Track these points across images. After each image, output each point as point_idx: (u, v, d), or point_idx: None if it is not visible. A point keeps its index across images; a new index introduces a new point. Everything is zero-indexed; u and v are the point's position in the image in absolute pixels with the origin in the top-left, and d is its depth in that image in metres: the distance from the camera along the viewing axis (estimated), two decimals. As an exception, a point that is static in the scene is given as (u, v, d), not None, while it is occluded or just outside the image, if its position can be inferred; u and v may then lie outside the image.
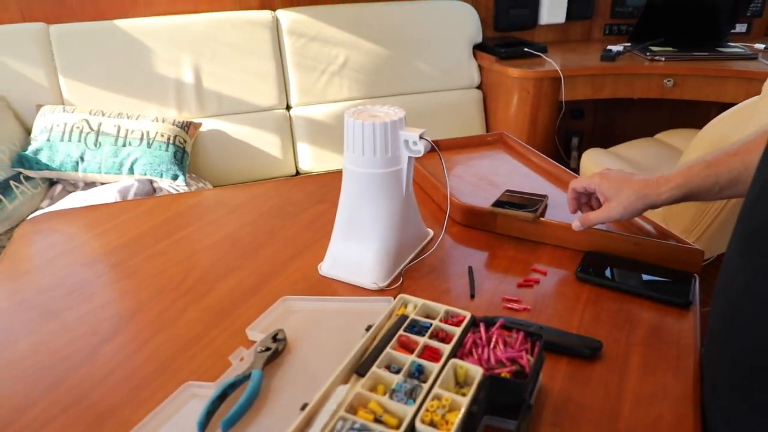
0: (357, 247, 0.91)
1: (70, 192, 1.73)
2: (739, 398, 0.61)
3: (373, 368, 0.61)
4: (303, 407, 0.58)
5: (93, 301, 0.90)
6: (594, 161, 1.98)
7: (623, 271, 0.91)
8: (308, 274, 0.95)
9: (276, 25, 2.10)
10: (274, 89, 2.10)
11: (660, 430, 0.64)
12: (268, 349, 0.73)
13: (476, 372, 0.60)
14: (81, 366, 0.76)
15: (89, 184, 1.77)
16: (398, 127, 0.86)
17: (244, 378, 0.68)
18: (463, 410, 0.55)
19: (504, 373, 0.62)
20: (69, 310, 0.88)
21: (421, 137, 0.85)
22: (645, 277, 0.90)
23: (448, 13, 2.33)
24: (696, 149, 1.45)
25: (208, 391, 0.68)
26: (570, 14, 2.56)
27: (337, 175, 1.36)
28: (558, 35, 2.63)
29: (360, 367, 0.63)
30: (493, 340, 0.67)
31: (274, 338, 0.75)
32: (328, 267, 0.94)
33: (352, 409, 0.57)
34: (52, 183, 1.79)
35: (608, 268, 0.92)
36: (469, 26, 2.36)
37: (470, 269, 0.95)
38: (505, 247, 1.02)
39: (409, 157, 0.89)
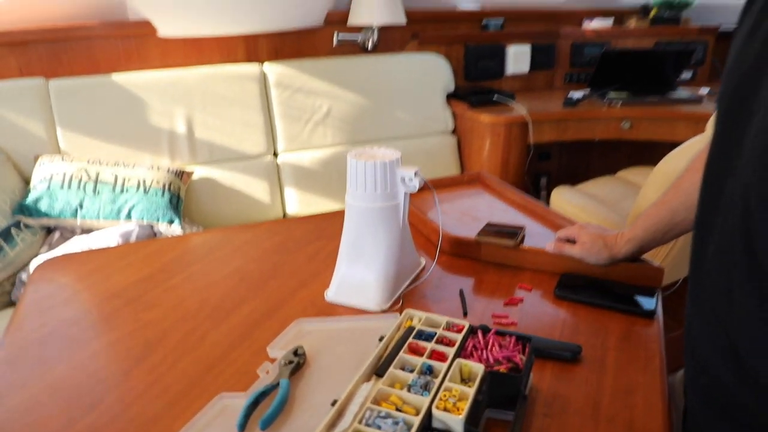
0: (360, 274, 1.02)
1: (68, 238, 1.80)
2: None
3: (390, 369, 0.71)
4: (333, 403, 0.67)
5: (119, 331, 0.98)
6: (562, 198, 2.13)
7: (595, 289, 1.03)
8: (315, 301, 1.05)
9: (263, 78, 2.24)
10: (262, 137, 2.22)
11: (634, 416, 0.75)
12: (290, 362, 0.82)
13: (479, 368, 0.71)
14: (117, 386, 0.83)
15: (86, 231, 1.83)
16: (395, 166, 0.99)
17: (273, 387, 0.77)
18: (471, 398, 0.66)
19: (502, 369, 0.73)
20: (96, 339, 0.96)
21: (416, 174, 0.98)
22: (615, 292, 1.02)
23: (423, 65, 2.51)
24: (652, 184, 1.61)
25: (240, 400, 0.76)
26: (533, 65, 2.77)
27: (330, 215, 1.48)
28: (523, 84, 2.84)
29: (379, 369, 0.73)
30: (490, 343, 0.78)
31: (295, 353, 0.84)
32: (333, 293, 1.04)
33: (376, 402, 0.66)
34: (49, 230, 1.85)
35: (582, 287, 1.04)
36: (442, 77, 2.54)
37: (461, 291, 1.06)
38: (489, 272, 1.14)
39: (405, 192, 1.01)
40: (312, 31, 2.36)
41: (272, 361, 0.86)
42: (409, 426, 0.62)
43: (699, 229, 0.69)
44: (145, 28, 2.15)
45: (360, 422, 0.63)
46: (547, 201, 2.34)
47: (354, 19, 2.31)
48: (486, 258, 1.18)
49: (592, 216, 1.97)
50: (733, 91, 0.62)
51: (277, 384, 0.78)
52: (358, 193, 0.99)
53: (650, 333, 0.93)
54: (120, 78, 2.05)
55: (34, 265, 1.61)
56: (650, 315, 0.96)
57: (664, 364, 0.85)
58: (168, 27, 2.14)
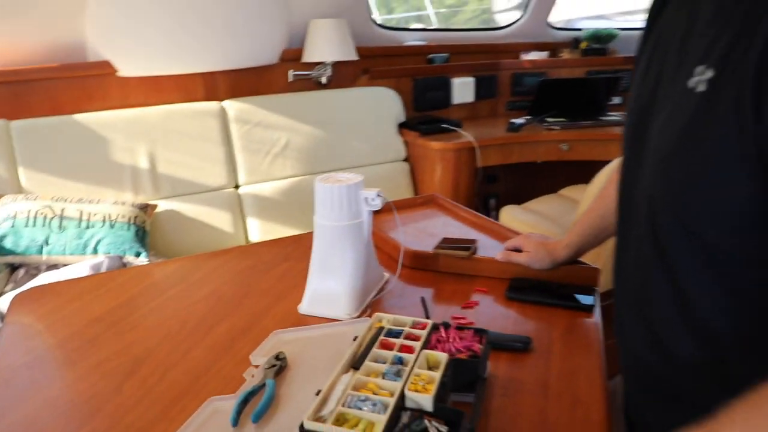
0: (330, 286, 1.11)
1: (34, 275, 1.82)
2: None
3: (366, 362, 0.81)
4: (317, 393, 0.76)
5: (104, 351, 1.04)
6: (511, 216, 2.29)
7: (541, 290, 1.16)
8: (289, 314, 1.13)
9: (223, 115, 2.33)
10: (224, 170, 2.30)
11: (579, 391, 0.87)
12: (273, 366, 0.91)
13: (443, 356, 0.81)
14: (111, 399, 0.89)
15: (51, 266, 1.86)
16: (359, 188, 1.10)
17: (260, 387, 0.86)
18: (438, 380, 0.76)
19: (462, 356, 0.84)
20: (84, 360, 1.01)
21: (378, 195, 1.09)
22: (558, 292, 1.15)
23: (375, 98, 2.66)
24: (588, 199, 1.78)
25: (230, 402, 0.84)
26: (477, 95, 2.96)
27: (295, 238, 1.57)
28: (469, 112, 3.03)
29: (355, 363, 0.83)
30: (451, 337, 0.89)
31: (277, 357, 0.93)
32: (306, 306, 1.13)
33: (356, 389, 0.76)
34: (14, 268, 1.86)
35: (530, 288, 1.17)
36: (393, 108, 2.70)
37: (422, 299, 1.16)
38: (447, 282, 1.25)
39: (368, 211, 1.12)
40: (268, 68, 2.48)
41: (256, 367, 0.94)
42: (385, 406, 0.72)
43: (619, 235, 0.83)
44: (105, 68, 2.21)
45: (343, 405, 0.72)
46: (497, 220, 2.49)
47: (308, 56, 2.45)
48: (444, 269, 1.29)
49: (538, 231, 2.13)
50: (635, 122, 0.76)
51: (264, 384, 0.86)
52: (326, 213, 1.09)
53: (590, 324, 1.06)
54: (81, 118, 2.10)
55: (1, 303, 1.63)
56: (589, 309, 1.09)
57: (602, 348, 0.98)
58: (128, 66, 2.22)
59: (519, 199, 2.70)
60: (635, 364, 0.82)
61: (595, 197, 1.13)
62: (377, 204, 1.09)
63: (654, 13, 0.79)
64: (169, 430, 0.81)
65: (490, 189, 3.19)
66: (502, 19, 4.31)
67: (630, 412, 0.87)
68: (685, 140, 0.62)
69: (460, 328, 0.91)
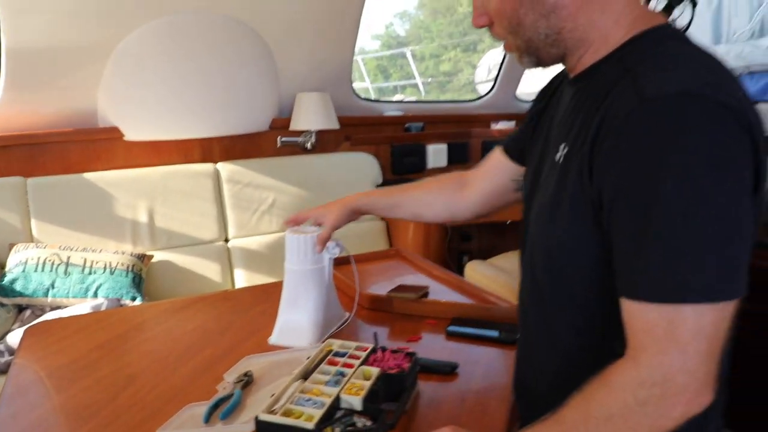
0: (296, 320, 1.33)
1: (38, 315, 2.02)
2: None
3: (314, 374, 1.02)
4: (272, 395, 0.97)
5: (103, 371, 1.24)
6: (476, 271, 2.52)
7: (476, 326, 1.38)
8: (261, 345, 1.34)
9: (217, 175, 2.60)
10: (215, 225, 2.54)
11: (488, 406, 1.08)
12: (242, 380, 1.12)
13: (375, 370, 1.03)
14: (108, 405, 1.09)
15: (55, 308, 2.07)
16: (321, 238, 1.34)
17: (229, 395, 1.06)
18: (368, 386, 0.97)
19: (393, 372, 1.05)
20: (86, 377, 1.21)
21: (336, 244, 1.33)
22: (490, 328, 1.36)
23: (355, 162, 2.94)
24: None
25: (203, 407, 1.04)
26: (450, 160, 3.26)
27: (272, 284, 1.79)
28: (443, 176, 3.31)
29: (305, 375, 1.04)
30: (386, 357, 1.10)
31: (245, 374, 1.14)
32: (275, 337, 1.35)
33: (303, 393, 0.97)
34: (21, 309, 2.07)
35: (466, 326, 1.39)
36: (372, 172, 2.97)
37: (375, 333, 1.37)
38: (399, 321, 1.47)
39: (329, 258, 1.35)
40: (259, 135, 2.76)
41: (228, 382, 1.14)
42: (324, 404, 0.93)
43: (521, 279, 1.03)
44: (113, 133, 2.49)
45: (291, 404, 0.93)
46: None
47: (295, 125, 2.74)
48: (397, 310, 1.51)
49: (500, 284, 2.35)
50: (529, 186, 0.95)
51: (233, 394, 1.07)
52: (293, 259, 1.33)
53: (510, 354, 1.27)
54: (89, 176, 2.36)
55: (9, 339, 1.83)
56: (512, 342, 1.31)
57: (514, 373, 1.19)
58: (134, 132, 2.50)
59: (490, 255, 2.93)
60: (520, 383, 1.02)
61: (422, 183, 1.35)
62: (336, 252, 1.33)
63: (537, 107, 1.01)
64: (154, 428, 1.01)
65: (465, 247, 3.43)
66: (481, 88, 4.67)
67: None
68: (553, 199, 0.82)
69: (394, 351, 1.12)
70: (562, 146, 0.81)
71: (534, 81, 5.36)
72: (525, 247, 0.96)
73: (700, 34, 4.57)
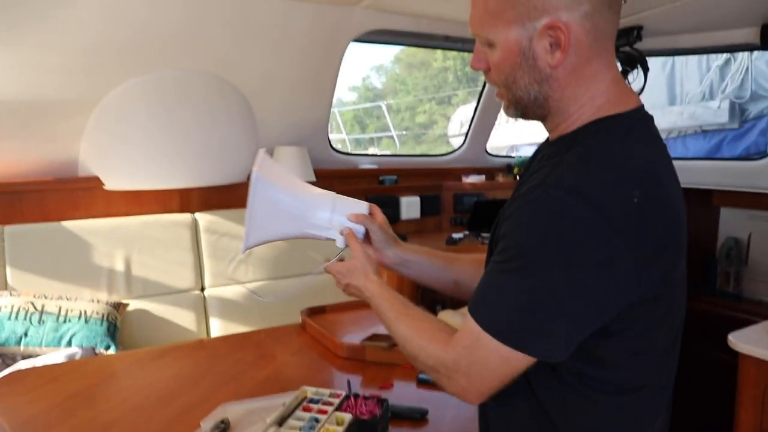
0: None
1: (9, 365, 2.01)
2: None
3: (289, 420, 1.07)
4: (249, 441, 1.01)
5: (80, 418, 1.26)
6: (445, 318, 2.58)
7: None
8: (238, 392, 1.37)
9: (195, 225, 2.65)
10: (191, 274, 2.57)
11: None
12: (218, 428, 1.15)
13: (348, 416, 1.08)
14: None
15: (26, 357, 2.06)
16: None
17: (206, 442, 1.10)
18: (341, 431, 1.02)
19: (365, 417, 1.10)
20: (63, 425, 1.23)
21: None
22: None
23: (330, 213, 3.01)
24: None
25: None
26: (423, 212, 3.36)
27: (247, 334, 1.83)
28: (417, 227, 3.41)
29: (281, 421, 1.09)
30: (358, 404, 1.15)
31: (222, 422, 1.17)
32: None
33: (279, 438, 1.02)
34: (-9, 358, 2.05)
35: (435, 374, 1.44)
36: (347, 222, 3.05)
37: (348, 381, 1.43)
38: (372, 369, 1.52)
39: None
40: (237, 186, 2.83)
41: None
42: (299, 448, 0.97)
43: None
44: (93, 182, 2.54)
45: (267, 448, 0.97)
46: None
47: (273, 177, 2.82)
48: (370, 358, 1.56)
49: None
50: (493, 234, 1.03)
51: (209, 440, 1.10)
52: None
53: (476, 401, 1.33)
54: (68, 225, 2.39)
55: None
56: (479, 389, 1.37)
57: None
58: (114, 181, 2.55)
59: (463, 305, 3.00)
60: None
61: (469, 260, 1.21)
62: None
63: (525, 168, 1.05)
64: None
65: (438, 296, 3.50)
66: (454, 141, 4.82)
67: None
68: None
69: (366, 397, 1.17)
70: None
71: (502, 137, 5.58)
72: None
73: (656, 97, 4.86)
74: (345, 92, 17.87)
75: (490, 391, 0.82)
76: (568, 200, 0.74)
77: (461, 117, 6.36)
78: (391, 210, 3.26)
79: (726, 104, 4.50)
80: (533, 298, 0.75)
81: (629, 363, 0.83)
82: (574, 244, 0.74)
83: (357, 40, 2.79)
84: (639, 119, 0.85)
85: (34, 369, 1.57)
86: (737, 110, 4.49)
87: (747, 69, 4.41)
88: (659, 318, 0.83)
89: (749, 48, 3.02)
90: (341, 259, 1.16)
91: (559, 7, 0.78)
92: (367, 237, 1.14)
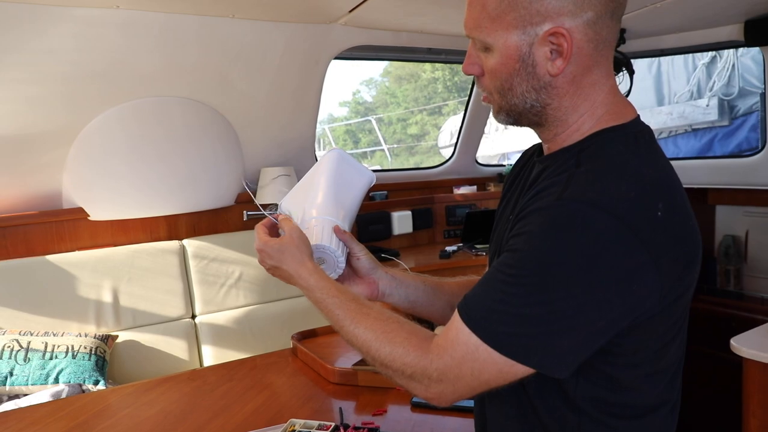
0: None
1: (-5, 406, 1.96)
2: None
3: (276, 455, 1.02)
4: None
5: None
6: (443, 335, 2.54)
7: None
8: (224, 426, 1.33)
9: (183, 252, 2.60)
10: (181, 302, 2.53)
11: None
12: (204, 467, 1.10)
13: (338, 449, 1.03)
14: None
15: (12, 397, 2.00)
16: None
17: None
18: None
19: (354, 449, 1.06)
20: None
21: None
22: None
23: (321, 232, 2.98)
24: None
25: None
26: (415, 226, 3.32)
27: (239, 361, 1.79)
28: (410, 241, 3.37)
29: (267, 457, 1.04)
30: (348, 434, 1.11)
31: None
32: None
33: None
34: (-23, 400, 2.00)
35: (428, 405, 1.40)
36: (339, 240, 3.01)
37: (340, 408, 1.38)
38: (365, 394, 1.48)
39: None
40: (225, 210, 2.80)
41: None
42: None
43: None
44: (77, 213, 2.50)
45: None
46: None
47: (260, 199, 2.78)
48: (362, 383, 1.52)
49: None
50: (494, 251, 0.97)
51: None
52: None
53: (468, 423, 1.28)
54: (53, 258, 2.35)
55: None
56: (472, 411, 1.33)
57: None
58: (99, 212, 2.51)
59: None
60: None
61: (458, 282, 1.16)
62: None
63: (512, 177, 1.04)
64: None
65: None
66: (445, 152, 4.81)
67: None
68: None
69: (357, 427, 1.13)
70: (509, 212, 0.89)
71: (491, 146, 5.58)
72: None
73: (644, 98, 4.86)
74: (335, 108, 17.93)
75: (472, 396, 0.79)
76: (590, 213, 0.70)
77: (451, 127, 6.35)
78: (383, 226, 3.22)
79: (714, 102, 4.49)
80: (548, 313, 0.70)
81: (647, 383, 0.79)
82: (598, 258, 0.69)
83: (339, 57, 2.77)
84: (640, 131, 0.82)
85: (14, 412, 1.52)
86: (726, 107, 4.49)
87: (733, 66, 4.41)
88: (675, 333, 0.79)
89: (734, 45, 3.01)
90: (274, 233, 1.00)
91: (562, 14, 0.75)
92: (348, 263, 1.03)
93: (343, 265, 1.00)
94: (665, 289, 0.72)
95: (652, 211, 0.71)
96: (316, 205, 1.00)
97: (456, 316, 0.77)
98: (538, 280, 0.71)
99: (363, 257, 1.04)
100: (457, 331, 0.75)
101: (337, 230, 1.00)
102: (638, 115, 0.84)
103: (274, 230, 1.03)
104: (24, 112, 2.17)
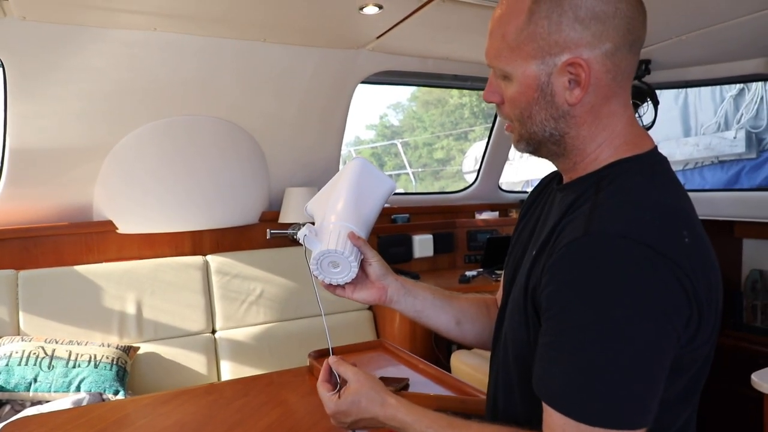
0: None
1: (18, 411, 2.00)
2: None
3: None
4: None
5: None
6: (460, 360, 2.53)
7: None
8: None
9: (206, 267, 2.66)
10: (203, 317, 2.57)
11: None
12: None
13: (347, 466, 1.04)
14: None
15: (36, 403, 2.05)
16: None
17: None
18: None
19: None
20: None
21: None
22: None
23: (342, 252, 3.00)
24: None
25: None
26: (436, 249, 3.33)
27: (254, 378, 1.81)
28: (430, 265, 3.37)
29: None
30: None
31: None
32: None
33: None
34: (1, 404, 2.05)
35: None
36: (359, 261, 3.03)
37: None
38: (378, 414, 1.48)
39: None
40: (249, 227, 2.85)
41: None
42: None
43: (491, 359, 1.05)
44: (106, 226, 2.57)
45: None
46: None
47: (284, 218, 2.83)
48: (376, 403, 1.52)
49: (483, 374, 2.35)
50: (509, 279, 0.96)
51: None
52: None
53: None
54: (81, 269, 2.42)
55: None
56: None
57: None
58: (127, 225, 2.58)
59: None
60: None
61: (469, 299, 1.16)
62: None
63: (529, 203, 1.05)
64: None
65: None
66: (469, 177, 4.84)
67: None
68: (522, 300, 0.85)
69: (368, 446, 1.13)
70: (533, 246, 0.86)
71: (515, 172, 5.57)
72: (499, 339, 0.97)
73: (670, 128, 4.84)
74: (362, 131, 18.10)
75: None
76: (621, 244, 0.69)
77: (476, 153, 6.37)
78: (404, 248, 3.24)
79: (742, 134, 4.44)
80: (615, 365, 0.67)
81: (678, 408, 0.78)
82: (640, 291, 0.67)
83: (366, 81, 2.83)
84: (658, 161, 0.83)
85: (36, 416, 1.56)
86: (754, 140, 4.43)
87: (762, 98, 4.37)
88: (705, 361, 0.78)
89: (760, 78, 3.00)
90: (338, 385, 0.93)
91: (580, 44, 0.76)
92: (361, 268, 1.03)
93: (356, 269, 1.02)
94: (703, 316, 0.72)
95: (681, 239, 0.71)
96: (336, 211, 1.03)
97: (545, 408, 0.73)
98: (591, 333, 0.68)
99: (375, 263, 1.04)
100: (551, 421, 0.72)
101: (352, 236, 1.00)
102: (656, 146, 0.85)
103: (333, 379, 0.96)
104: (62, 128, 2.27)
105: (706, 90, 4.75)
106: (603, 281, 0.68)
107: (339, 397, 0.90)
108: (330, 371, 0.96)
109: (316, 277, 1.03)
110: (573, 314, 0.70)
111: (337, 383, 0.94)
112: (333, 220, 1.02)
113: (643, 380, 0.68)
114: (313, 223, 1.06)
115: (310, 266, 1.02)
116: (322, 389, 0.94)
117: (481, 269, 3.14)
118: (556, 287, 0.73)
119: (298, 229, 1.08)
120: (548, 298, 0.74)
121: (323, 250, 0.99)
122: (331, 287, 1.05)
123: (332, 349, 1.09)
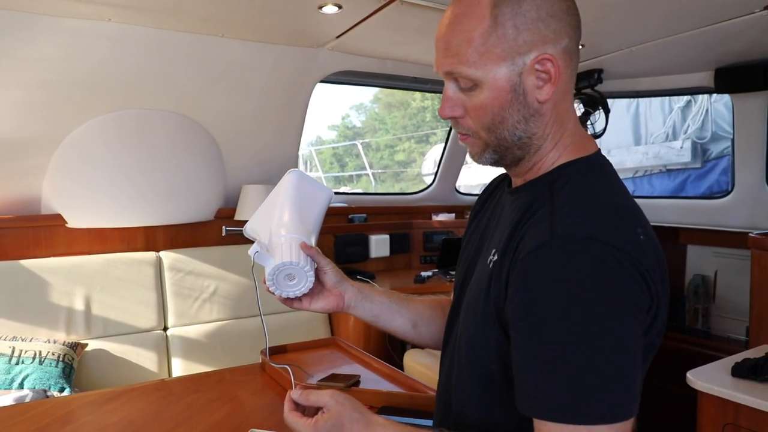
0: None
1: (-43, 410, 1.93)
2: None
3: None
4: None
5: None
6: (413, 359, 2.56)
7: (405, 416, 1.42)
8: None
9: (159, 263, 2.62)
10: (154, 314, 2.53)
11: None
12: (161, 472, 1.12)
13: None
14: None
15: (-25, 402, 1.98)
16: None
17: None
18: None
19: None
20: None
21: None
22: (415, 415, 1.41)
23: (299, 251, 3.00)
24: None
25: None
26: (392, 250, 3.37)
27: (203, 375, 1.80)
28: (386, 265, 3.40)
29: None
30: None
31: (166, 466, 1.14)
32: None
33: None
34: (-62, 403, 1.97)
35: (395, 415, 1.42)
36: (316, 260, 3.03)
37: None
38: (329, 410, 1.49)
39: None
40: (204, 224, 2.82)
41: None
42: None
43: (442, 358, 1.05)
44: (55, 220, 2.50)
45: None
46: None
47: (240, 215, 2.81)
48: (327, 399, 1.54)
49: (436, 372, 2.38)
50: (460, 280, 0.97)
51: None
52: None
53: (430, 440, 1.31)
54: (27, 263, 2.35)
55: None
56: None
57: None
58: (77, 219, 2.52)
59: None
60: None
61: (425, 302, 1.17)
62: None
63: (480, 204, 1.05)
64: None
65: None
66: (428, 180, 4.89)
67: None
68: (482, 303, 0.84)
69: None
70: (493, 252, 0.85)
71: (473, 175, 5.66)
72: (450, 339, 0.98)
73: (622, 137, 5.02)
74: (324, 131, 18.05)
75: None
76: (589, 246, 0.70)
77: (435, 156, 6.45)
78: (361, 248, 3.26)
79: (688, 144, 4.65)
80: (607, 361, 0.68)
81: None
82: (615, 287, 0.69)
83: (326, 80, 2.84)
84: (603, 163, 0.85)
85: (-22, 413, 1.51)
86: (699, 150, 4.64)
87: (707, 111, 4.58)
88: (651, 359, 0.81)
89: (705, 91, 3.14)
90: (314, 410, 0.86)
91: (546, 41, 0.77)
92: (316, 277, 1.03)
93: (313, 279, 1.02)
94: (659, 313, 0.75)
95: (637, 236, 0.74)
96: (284, 224, 1.03)
97: (536, 423, 0.71)
98: (572, 333, 0.69)
99: (330, 271, 1.05)
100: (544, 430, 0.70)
101: (304, 246, 1.00)
102: (599, 149, 0.87)
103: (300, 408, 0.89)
104: (9, 117, 2.20)
105: (656, 101, 4.95)
106: (579, 282, 0.69)
107: (316, 422, 0.84)
108: (294, 402, 0.89)
109: (273, 293, 1.03)
110: (553, 319, 0.70)
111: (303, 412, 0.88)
112: (283, 233, 1.02)
113: (631, 370, 0.70)
114: None
115: (267, 283, 1.01)
116: (293, 417, 0.86)
117: (437, 270, 3.19)
118: (529, 294, 0.73)
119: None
120: (521, 307, 0.73)
121: (278, 264, 0.98)
122: (288, 301, 1.04)
123: (269, 348, 1.08)
